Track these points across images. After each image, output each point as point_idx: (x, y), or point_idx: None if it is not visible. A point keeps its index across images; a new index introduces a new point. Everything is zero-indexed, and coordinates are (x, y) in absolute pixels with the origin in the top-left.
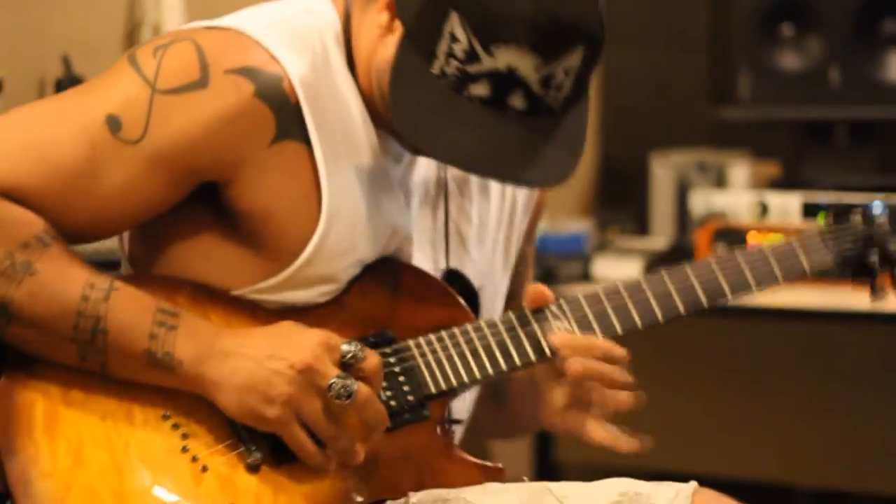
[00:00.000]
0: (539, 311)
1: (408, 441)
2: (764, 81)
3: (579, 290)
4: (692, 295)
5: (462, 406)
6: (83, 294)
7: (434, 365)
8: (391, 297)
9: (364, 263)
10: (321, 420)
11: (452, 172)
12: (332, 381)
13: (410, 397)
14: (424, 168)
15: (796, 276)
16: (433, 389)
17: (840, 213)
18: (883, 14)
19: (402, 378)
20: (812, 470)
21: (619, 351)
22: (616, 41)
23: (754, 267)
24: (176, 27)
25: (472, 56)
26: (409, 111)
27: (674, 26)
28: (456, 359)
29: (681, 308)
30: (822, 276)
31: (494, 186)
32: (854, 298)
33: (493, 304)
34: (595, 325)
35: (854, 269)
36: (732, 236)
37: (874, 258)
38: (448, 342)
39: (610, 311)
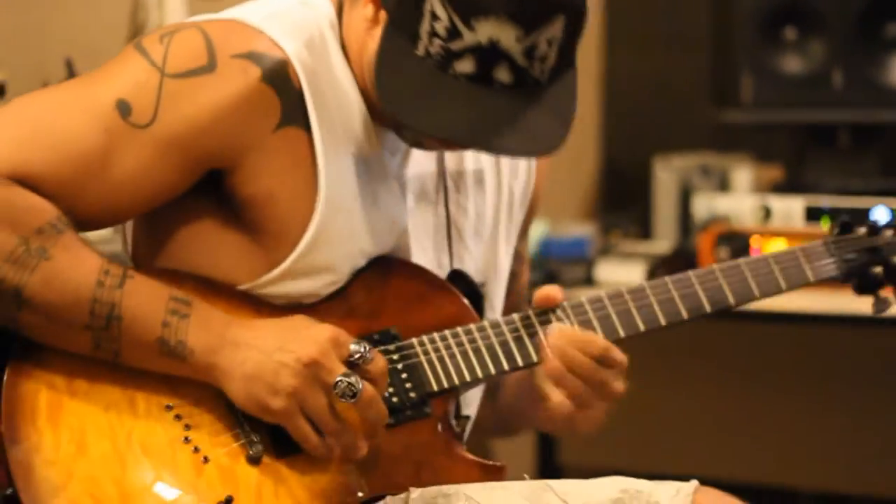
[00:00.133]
0: (543, 314)
1: (409, 438)
2: (767, 84)
3: (582, 295)
4: (695, 301)
5: (469, 402)
6: (98, 280)
7: (437, 363)
8: (396, 295)
9: (365, 254)
10: (325, 415)
11: (449, 167)
12: (339, 379)
13: (412, 394)
14: (420, 163)
15: (800, 285)
16: (435, 387)
17: (845, 224)
18: (886, 17)
19: (404, 375)
20: (813, 472)
21: (618, 354)
22: (618, 44)
23: (758, 275)
24: None
25: (453, 32)
26: (396, 93)
27: (676, 29)
28: (458, 357)
29: (684, 314)
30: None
31: (490, 179)
32: (855, 302)
33: (497, 298)
34: (598, 328)
35: (857, 280)
36: (735, 240)
37: (878, 270)
38: (451, 341)
39: (613, 314)
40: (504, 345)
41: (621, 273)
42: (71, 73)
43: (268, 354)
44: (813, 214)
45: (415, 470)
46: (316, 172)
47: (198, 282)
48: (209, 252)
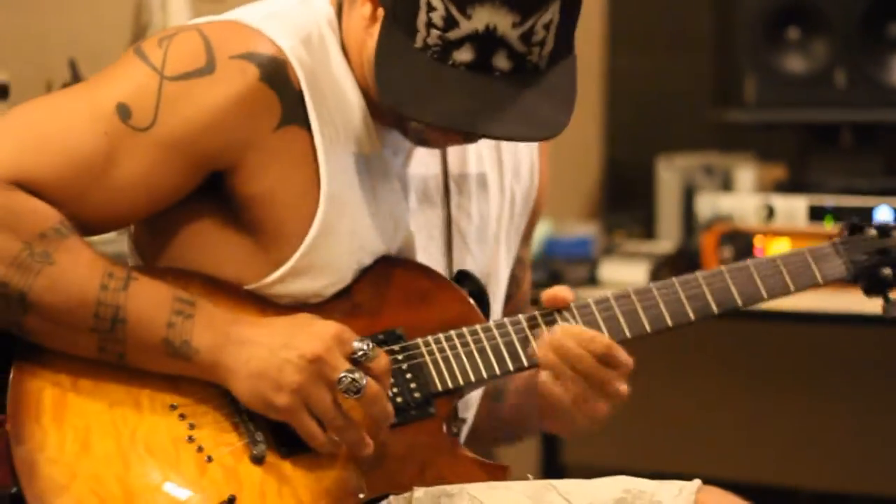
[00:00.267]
0: (549, 315)
1: (413, 438)
2: (769, 84)
3: (586, 294)
4: (702, 302)
5: (467, 405)
6: (102, 283)
7: (441, 363)
8: (401, 294)
9: (370, 252)
10: (329, 411)
11: (452, 170)
12: (342, 375)
13: (417, 394)
14: (423, 164)
15: (808, 286)
16: (440, 387)
17: (855, 225)
18: (888, 17)
19: (409, 375)
20: (816, 472)
21: (623, 356)
22: (621, 44)
23: (766, 277)
24: None
25: (450, 21)
26: (397, 86)
27: (679, 29)
28: (463, 357)
29: (691, 315)
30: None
31: (493, 183)
32: (858, 301)
33: (496, 301)
34: (604, 328)
35: (866, 281)
36: (739, 239)
37: (888, 271)
38: (456, 341)
39: (619, 315)
40: (509, 345)
41: (625, 273)
42: (75, 73)
43: (272, 351)
44: (816, 214)
45: (419, 470)
46: (317, 171)
47: (205, 281)
48: (212, 253)
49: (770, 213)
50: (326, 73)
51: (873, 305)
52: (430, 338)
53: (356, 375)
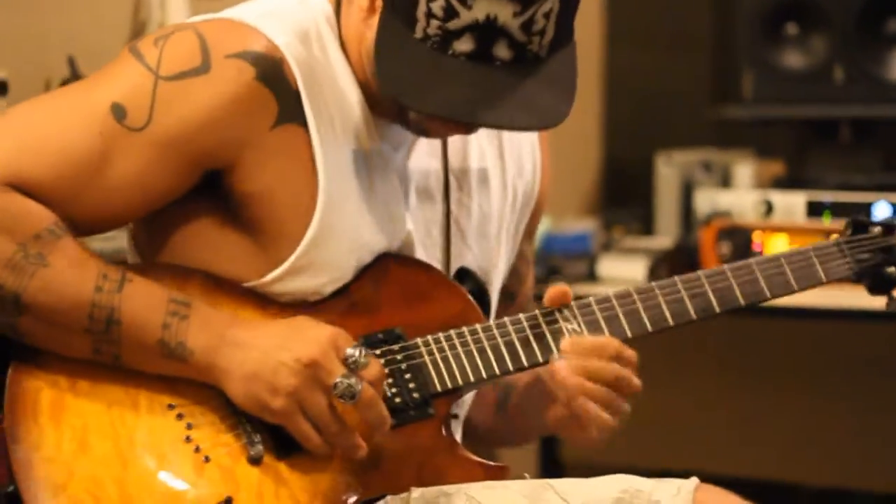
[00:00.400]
0: (549, 314)
1: (412, 438)
2: (768, 80)
3: (584, 290)
4: (705, 302)
5: (463, 402)
6: (97, 285)
7: (441, 363)
8: (401, 293)
9: (369, 249)
10: (325, 415)
11: (453, 165)
12: (338, 380)
13: (416, 395)
14: (424, 159)
15: (812, 285)
16: (439, 388)
17: (859, 223)
18: (887, 12)
19: (408, 375)
20: (816, 468)
21: (629, 352)
22: (620, 40)
23: (769, 276)
24: None
25: (450, 11)
26: (397, 77)
27: (677, 25)
28: (463, 357)
29: (693, 314)
30: None
31: (495, 178)
32: (858, 298)
33: (494, 298)
34: (605, 328)
35: (870, 280)
36: (737, 235)
37: (892, 269)
38: (456, 341)
39: (621, 314)
40: (510, 345)
41: (623, 269)
42: (74, 71)
43: (268, 354)
44: (814, 209)
45: (417, 470)
46: (315, 169)
47: (204, 278)
48: (211, 252)
49: (769, 208)
50: (324, 69)
51: (873, 301)
52: (429, 337)
53: (352, 380)
